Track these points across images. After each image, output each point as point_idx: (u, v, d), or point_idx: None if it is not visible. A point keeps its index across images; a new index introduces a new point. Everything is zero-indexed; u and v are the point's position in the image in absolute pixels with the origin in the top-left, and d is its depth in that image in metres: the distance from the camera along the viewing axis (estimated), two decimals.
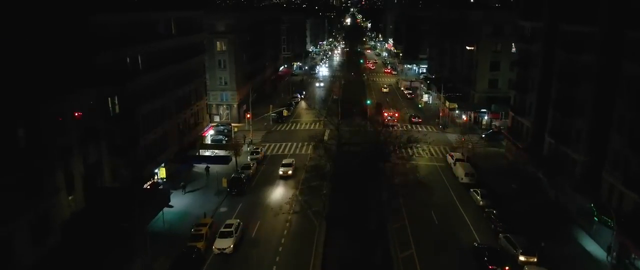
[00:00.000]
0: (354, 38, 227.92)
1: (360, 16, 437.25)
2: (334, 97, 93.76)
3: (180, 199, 50.04)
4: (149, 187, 47.67)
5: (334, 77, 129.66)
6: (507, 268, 35.99)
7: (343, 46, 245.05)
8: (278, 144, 71.71)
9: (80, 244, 32.73)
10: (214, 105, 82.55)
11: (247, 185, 53.90)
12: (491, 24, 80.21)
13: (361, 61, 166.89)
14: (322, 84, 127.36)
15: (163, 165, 52.16)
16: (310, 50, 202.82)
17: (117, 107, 42.61)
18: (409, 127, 78.86)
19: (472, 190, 51.52)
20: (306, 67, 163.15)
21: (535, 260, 37.22)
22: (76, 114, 35.95)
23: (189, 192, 51.46)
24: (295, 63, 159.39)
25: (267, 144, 71.56)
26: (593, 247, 40.54)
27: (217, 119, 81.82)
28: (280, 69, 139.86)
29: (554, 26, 52.32)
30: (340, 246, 39.38)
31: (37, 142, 31.12)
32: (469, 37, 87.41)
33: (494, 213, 45.16)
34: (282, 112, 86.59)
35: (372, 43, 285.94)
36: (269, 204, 49.57)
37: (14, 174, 28.81)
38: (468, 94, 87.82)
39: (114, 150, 41.38)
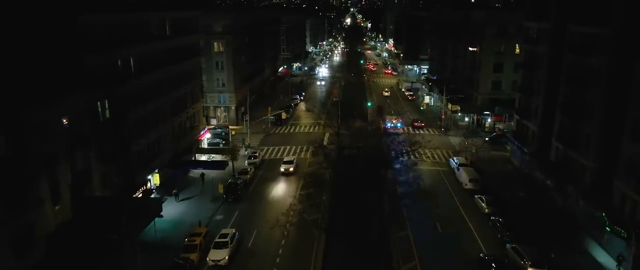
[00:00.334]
0: (354, 38, 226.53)
1: (360, 16, 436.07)
2: (334, 99, 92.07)
3: (174, 206, 48.31)
4: (141, 193, 45.90)
5: (333, 78, 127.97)
6: None
7: (343, 46, 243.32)
8: (276, 148, 69.93)
9: (66, 257, 30.98)
10: (211, 108, 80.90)
11: (244, 191, 52.13)
12: (495, 25, 78.46)
13: (361, 61, 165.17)
14: (322, 82, 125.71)
15: (156, 171, 50.35)
16: (310, 50, 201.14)
17: (107, 111, 40.82)
18: (412, 131, 76.64)
19: (476, 196, 49.78)
20: (306, 68, 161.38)
21: None
22: (63, 120, 34.16)
23: (182, 200, 49.60)
24: (294, 64, 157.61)
25: (265, 148, 69.80)
26: (604, 258, 38.79)
27: (214, 121, 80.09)
28: (280, 70, 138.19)
29: (561, 27, 50.56)
30: (341, 258, 37.61)
31: (19, 150, 29.35)
32: (471, 37, 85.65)
33: (500, 221, 43.43)
34: (280, 114, 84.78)
35: (372, 43, 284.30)
36: (266, 211, 47.79)
37: None
38: (470, 96, 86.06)
39: (104, 157, 39.60)
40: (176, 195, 49.47)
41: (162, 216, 40.67)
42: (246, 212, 47.80)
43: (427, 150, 64.86)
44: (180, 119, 58.11)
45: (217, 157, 61.07)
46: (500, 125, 76.95)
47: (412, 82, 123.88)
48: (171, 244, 40.21)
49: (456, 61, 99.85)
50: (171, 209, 47.50)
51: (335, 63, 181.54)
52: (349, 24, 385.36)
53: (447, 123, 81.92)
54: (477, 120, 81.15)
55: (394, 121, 75.45)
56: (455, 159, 59.86)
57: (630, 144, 38.37)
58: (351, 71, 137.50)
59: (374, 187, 40.54)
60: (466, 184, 53.18)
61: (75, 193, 35.60)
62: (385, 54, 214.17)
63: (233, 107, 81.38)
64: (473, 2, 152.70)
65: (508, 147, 67.36)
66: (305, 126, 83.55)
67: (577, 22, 47.28)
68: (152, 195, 48.82)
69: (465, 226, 44.71)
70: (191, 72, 62.59)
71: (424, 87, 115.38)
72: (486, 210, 46.87)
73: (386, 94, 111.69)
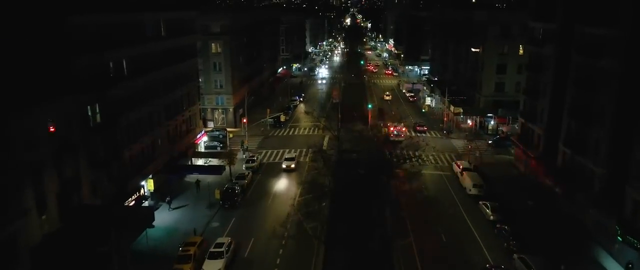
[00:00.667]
0: (354, 39, 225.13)
1: (360, 16, 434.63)
2: (334, 101, 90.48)
3: (168, 213, 46.73)
4: (134, 200, 44.25)
5: (333, 79, 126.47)
6: None
7: (343, 47, 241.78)
8: (275, 151, 68.33)
9: None
10: (209, 110, 79.35)
11: (241, 197, 50.53)
12: (498, 25, 76.89)
13: (362, 62, 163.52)
14: (323, 81, 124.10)
15: (150, 177, 48.71)
16: (309, 51, 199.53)
17: (98, 115, 39.20)
18: (414, 135, 74.64)
19: (481, 202, 48.20)
20: (305, 69, 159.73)
21: None
22: (50, 125, 32.57)
23: (175, 208, 47.89)
24: (294, 64, 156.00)
25: (264, 151, 68.23)
26: (615, 269, 37.22)
27: (211, 124, 78.48)
28: (279, 70, 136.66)
29: (568, 28, 48.94)
30: (341, 268, 36.03)
31: (1, 158, 27.75)
32: (474, 38, 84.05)
33: (506, 229, 41.85)
34: (279, 117, 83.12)
35: (373, 43, 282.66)
36: (264, 219, 46.20)
37: None
38: (473, 98, 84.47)
39: (94, 163, 37.96)
40: (169, 203, 47.75)
41: (153, 226, 38.99)
42: (243, 219, 46.20)
43: (430, 155, 63.21)
44: (175, 122, 56.50)
45: (214, 162, 59.53)
46: (503, 128, 75.36)
47: (413, 83, 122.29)
48: (165, 253, 38.65)
49: (458, 62, 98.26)
50: (165, 216, 45.93)
51: (335, 63, 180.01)
52: (349, 24, 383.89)
53: (449, 125, 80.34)
54: (480, 122, 79.58)
55: (397, 130, 71.61)
56: (458, 163, 58.22)
57: None
58: (351, 72, 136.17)
59: (376, 194, 38.98)
60: (470, 190, 51.59)
61: (63, 202, 33.98)
62: (385, 55, 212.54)
63: (231, 109, 79.80)
64: (474, 2, 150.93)
65: (512, 150, 65.78)
66: (305, 128, 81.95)
67: (585, 22, 45.67)
68: (146, 202, 47.20)
69: (469, 234, 43.11)
70: (187, 74, 60.98)
71: (425, 88, 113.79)
72: (491, 217, 45.28)
73: (387, 98, 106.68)
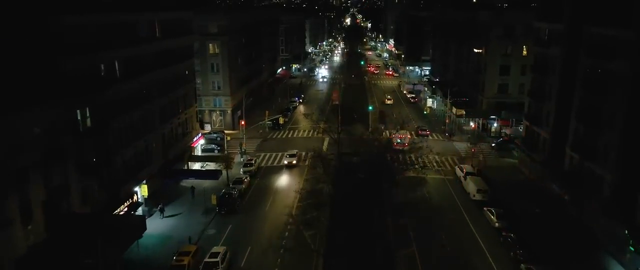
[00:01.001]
0: (354, 39, 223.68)
1: (360, 16, 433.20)
2: (334, 102, 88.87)
3: (161, 220, 45.15)
4: (128, 206, 42.69)
5: (333, 80, 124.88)
6: None
7: (343, 47, 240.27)
8: (274, 154, 66.79)
9: None
10: (206, 111, 77.78)
11: (238, 203, 48.99)
12: (501, 25, 75.38)
13: (362, 62, 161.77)
14: (323, 80, 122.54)
15: (145, 182, 47.15)
16: (309, 51, 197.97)
17: (88, 120, 37.66)
18: (416, 138, 72.76)
19: (485, 209, 46.66)
20: (305, 69, 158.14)
21: None
22: (35, 130, 31.05)
23: (169, 216, 46.29)
24: (293, 65, 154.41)
25: (262, 154, 66.67)
26: None
27: (208, 127, 76.88)
28: (278, 71, 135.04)
29: (576, 28, 47.46)
30: None
31: None
32: (476, 38, 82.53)
33: (512, 237, 40.33)
34: (277, 119, 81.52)
35: (373, 43, 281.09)
36: (262, 226, 44.66)
37: None
38: (475, 99, 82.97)
39: (84, 170, 36.40)
40: (162, 211, 46.11)
41: (141, 237, 37.40)
42: (240, 225, 44.66)
43: (432, 159, 61.66)
44: (171, 126, 54.98)
45: (211, 166, 57.94)
46: (507, 130, 73.89)
47: (414, 84, 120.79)
48: (157, 263, 37.18)
49: (460, 63, 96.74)
50: (159, 223, 44.45)
51: (335, 64, 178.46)
52: (349, 24, 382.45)
53: (452, 127, 78.81)
54: (483, 124, 78.06)
55: (401, 138, 68.65)
56: (461, 166, 56.67)
57: None
58: (351, 72, 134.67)
59: (377, 201, 37.48)
60: (474, 195, 50.06)
61: (50, 211, 32.44)
62: (385, 55, 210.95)
63: (229, 111, 78.26)
64: (475, 2, 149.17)
65: (516, 153, 64.27)
66: (304, 131, 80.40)
67: (595, 23, 44.17)
68: (140, 208, 45.63)
69: (474, 243, 41.57)
70: (184, 76, 59.45)
71: (426, 89, 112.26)
72: (496, 224, 43.74)
73: (388, 101, 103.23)
